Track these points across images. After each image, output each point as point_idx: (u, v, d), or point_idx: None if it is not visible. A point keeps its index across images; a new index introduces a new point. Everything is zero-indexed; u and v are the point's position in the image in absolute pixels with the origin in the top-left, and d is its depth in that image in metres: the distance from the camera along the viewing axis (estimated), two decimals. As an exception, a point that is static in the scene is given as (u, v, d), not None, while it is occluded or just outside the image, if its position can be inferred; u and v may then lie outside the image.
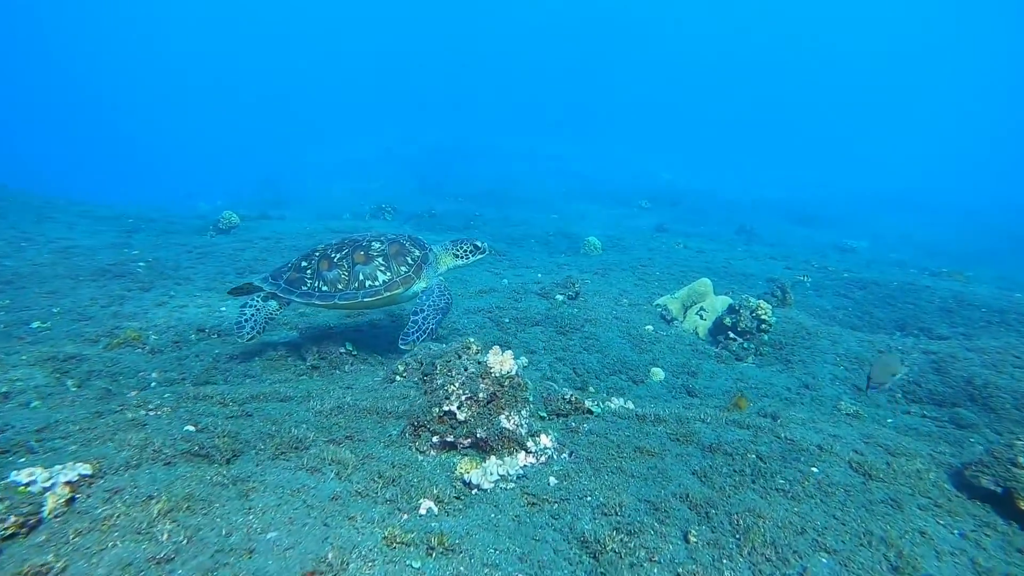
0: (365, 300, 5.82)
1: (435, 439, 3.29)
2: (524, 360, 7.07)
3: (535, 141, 47.94)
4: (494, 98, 73.55)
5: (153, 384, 5.49)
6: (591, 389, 6.69)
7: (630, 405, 4.79)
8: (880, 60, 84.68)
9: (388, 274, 5.90)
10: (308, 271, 5.95)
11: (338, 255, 5.95)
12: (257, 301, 6.08)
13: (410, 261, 6.06)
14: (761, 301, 8.32)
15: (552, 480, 3.09)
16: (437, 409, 3.28)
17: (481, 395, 3.28)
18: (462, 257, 6.58)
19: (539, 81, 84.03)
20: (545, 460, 3.29)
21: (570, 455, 3.40)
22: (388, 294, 5.88)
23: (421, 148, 44.57)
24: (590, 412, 4.10)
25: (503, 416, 3.26)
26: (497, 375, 3.35)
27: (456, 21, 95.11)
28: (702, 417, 4.30)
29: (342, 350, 6.04)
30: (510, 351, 3.47)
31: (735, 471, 3.34)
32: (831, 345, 8.09)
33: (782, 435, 3.97)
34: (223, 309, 8.09)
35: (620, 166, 41.04)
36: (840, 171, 47.07)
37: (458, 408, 3.26)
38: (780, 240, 21.47)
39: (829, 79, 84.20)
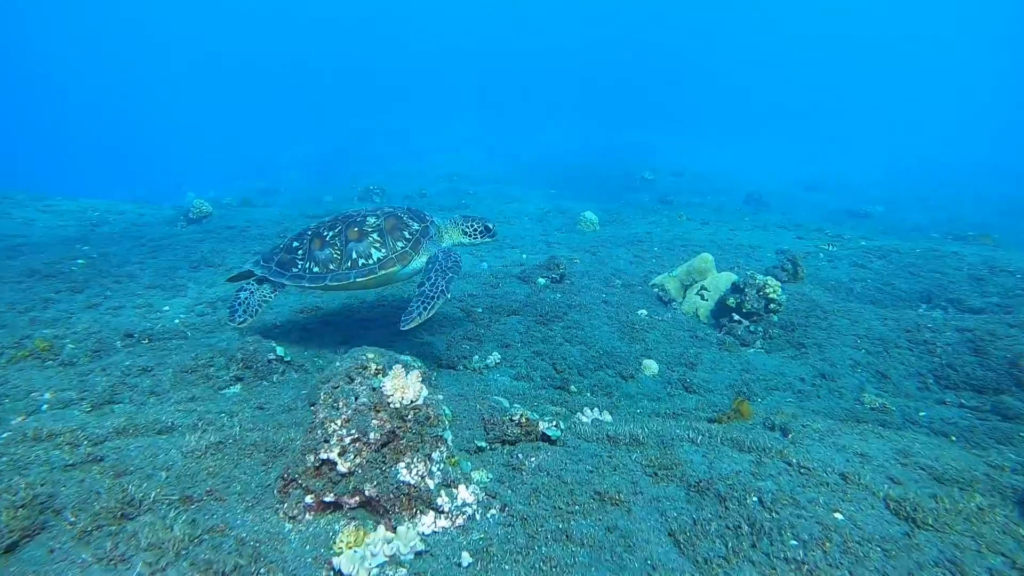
0: (358, 280, 5.40)
1: (309, 499, 2.38)
2: (497, 356, 6.18)
3: (531, 122, 46.59)
4: (488, 82, 71.75)
5: (44, 408, 4.64)
6: (572, 389, 5.79)
7: (606, 417, 3.88)
8: (887, 24, 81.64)
9: (384, 251, 5.45)
10: (300, 251, 5.60)
11: (331, 233, 5.56)
12: (252, 285, 5.80)
13: (407, 236, 5.56)
14: (768, 278, 7.33)
15: (464, 558, 2.18)
16: (312, 457, 2.38)
17: (373, 436, 2.37)
18: (471, 236, 6.10)
19: (530, 62, 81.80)
20: (463, 522, 2.39)
21: (501, 510, 2.49)
22: (383, 272, 5.43)
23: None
24: (547, 439, 3.18)
25: (403, 464, 2.35)
26: (397, 406, 2.43)
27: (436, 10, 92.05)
28: (691, 436, 3.37)
29: (271, 356, 5.15)
30: (417, 371, 2.54)
31: (728, 527, 2.42)
32: (850, 325, 7.10)
33: (794, 460, 3.04)
34: (165, 308, 7.23)
35: (622, 143, 39.60)
36: (851, 137, 45.37)
37: (340, 455, 2.35)
38: (790, 207, 20.28)
39: (834, 45, 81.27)
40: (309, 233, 5.72)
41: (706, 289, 8.09)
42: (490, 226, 6.15)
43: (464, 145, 37.13)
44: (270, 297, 5.78)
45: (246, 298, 5.71)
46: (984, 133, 43.15)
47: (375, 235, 5.50)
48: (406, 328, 4.89)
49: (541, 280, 8.15)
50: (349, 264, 5.42)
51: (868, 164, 32.42)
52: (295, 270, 5.53)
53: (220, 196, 20.76)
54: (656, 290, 8.33)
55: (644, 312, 7.37)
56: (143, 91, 75.20)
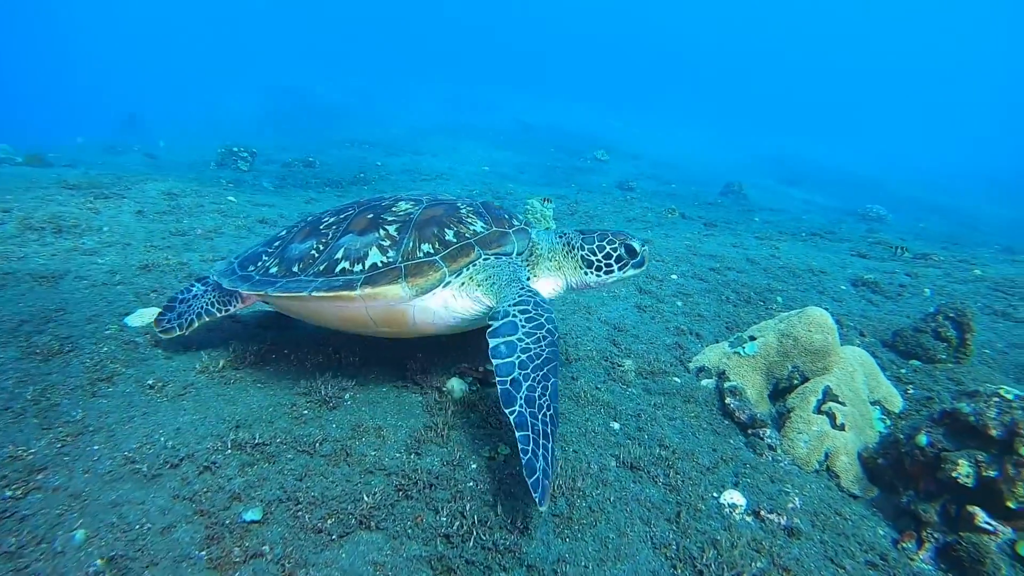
0: (316, 295, 2.95)
1: None
2: None
3: (459, 88, 41.36)
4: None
5: None
6: None
7: None
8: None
9: (390, 254, 3.00)
10: (277, 243, 3.49)
11: (333, 219, 3.38)
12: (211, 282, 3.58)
13: (450, 238, 3.08)
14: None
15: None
16: None
17: None
18: (598, 268, 3.31)
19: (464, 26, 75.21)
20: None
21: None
22: (368, 290, 2.88)
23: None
24: None
25: None
26: None
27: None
28: None
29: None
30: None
31: None
32: None
33: None
34: None
35: (569, 116, 35.07)
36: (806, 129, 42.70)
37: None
38: (781, 205, 16.30)
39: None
40: (309, 219, 3.59)
41: (838, 401, 3.51)
42: (635, 246, 3.31)
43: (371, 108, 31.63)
44: (217, 309, 3.40)
45: (189, 299, 3.50)
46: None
47: (393, 228, 3.10)
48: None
49: (456, 386, 3.26)
50: (323, 267, 3.05)
51: (838, 157, 29.17)
52: (250, 269, 3.35)
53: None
54: (714, 387, 3.74)
55: (736, 499, 2.68)
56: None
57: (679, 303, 5.15)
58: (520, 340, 2.64)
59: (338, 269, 3.00)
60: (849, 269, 7.29)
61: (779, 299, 5.54)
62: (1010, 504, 2.64)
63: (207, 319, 3.37)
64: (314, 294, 2.93)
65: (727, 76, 64.19)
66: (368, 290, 2.88)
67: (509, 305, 2.78)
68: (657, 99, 49.60)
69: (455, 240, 3.07)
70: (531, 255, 3.34)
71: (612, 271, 3.30)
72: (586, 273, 3.32)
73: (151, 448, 2.48)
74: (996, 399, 2.84)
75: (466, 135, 24.07)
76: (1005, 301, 6.48)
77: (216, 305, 3.40)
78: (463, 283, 3.00)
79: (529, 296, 2.85)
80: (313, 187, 11.85)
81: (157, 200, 6.86)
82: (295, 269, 3.14)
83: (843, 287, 6.61)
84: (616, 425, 3.13)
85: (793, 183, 21.37)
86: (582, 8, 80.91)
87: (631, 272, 3.35)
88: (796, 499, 2.81)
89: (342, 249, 3.07)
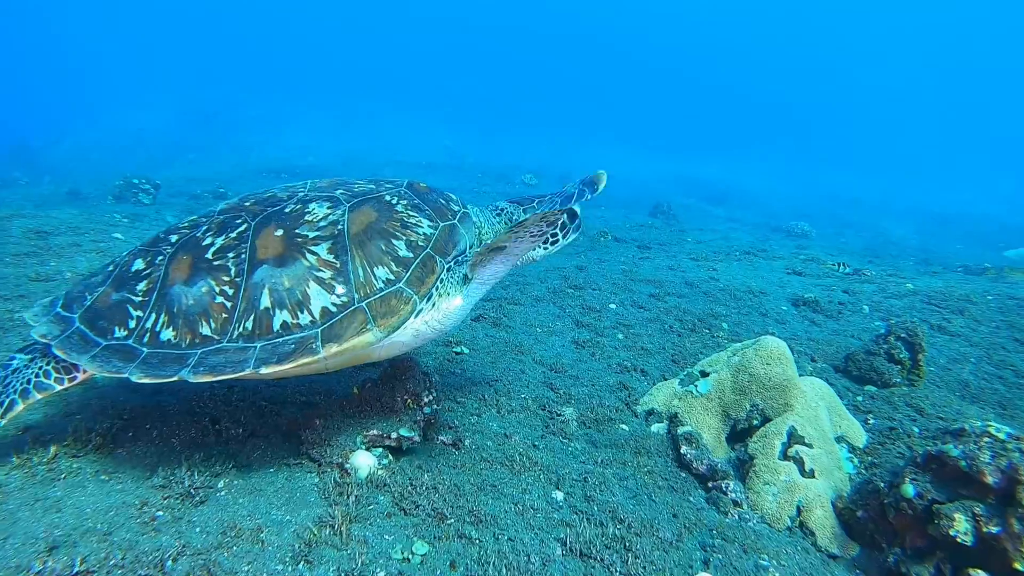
0: (265, 371, 2.27)
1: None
2: None
3: (386, 114, 40.77)
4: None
5: None
6: None
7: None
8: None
9: (342, 291, 2.41)
10: (141, 285, 2.49)
11: (219, 239, 2.52)
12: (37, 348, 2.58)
13: (405, 253, 2.56)
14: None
15: None
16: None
17: None
18: (545, 240, 3.11)
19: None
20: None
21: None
22: (336, 348, 2.32)
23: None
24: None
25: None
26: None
27: None
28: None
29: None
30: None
31: None
32: None
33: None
34: None
35: (497, 140, 35.12)
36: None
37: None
38: (709, 224, 16.40)
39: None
40: (174, 240, 2.60)
41: (804, 443, 3.13)
42: (577, 209, 3.19)
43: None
44: (56, 379, 2.41)
45: (6, 375, 2.45)
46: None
47: (323, 248, 2.45)
48: None
49: (362, 463, 2.67)
50: (251, 324, 2.34)
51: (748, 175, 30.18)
52: (118, 334, 2.40)
53: None
54: (666, 433, 3.32)
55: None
56: None
57: (620, 335, 4.72)
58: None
59: (277, 324, 2.35)
60: (788, 288, 7.12)
61: (724, 325, 5.22)
62: (1018, 566, 2.27)
63: (39, 396, 2.40)
64: (263, 371, 2.26)
65: (645, 97, 66.09)
66: (334, 348, 2.32)
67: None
68: (582, 122, 50.33)
69: (411, 254, 2.57)
70: (480, 244, 2.97)
71: (558, 240, 3.16)
72: (533, 248, 3.05)
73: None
74: (987, 439, 2.50)
75: (392, 162, 23.47)
76: (939, 315, 6.42)
77: (54, 374, 2.43)
78: (433, 304, 2.61)
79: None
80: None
81: (20, 240, 5.92)
82: (206, 332, 2.34)
83: (784, 307, 6.39)
84: (559, 495, 2.61)
85: (715, 201, 21.78)
86: (506, 28, 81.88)
87: (572, 236, 3.25)
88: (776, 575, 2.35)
89: (265, 292, 2.37)
